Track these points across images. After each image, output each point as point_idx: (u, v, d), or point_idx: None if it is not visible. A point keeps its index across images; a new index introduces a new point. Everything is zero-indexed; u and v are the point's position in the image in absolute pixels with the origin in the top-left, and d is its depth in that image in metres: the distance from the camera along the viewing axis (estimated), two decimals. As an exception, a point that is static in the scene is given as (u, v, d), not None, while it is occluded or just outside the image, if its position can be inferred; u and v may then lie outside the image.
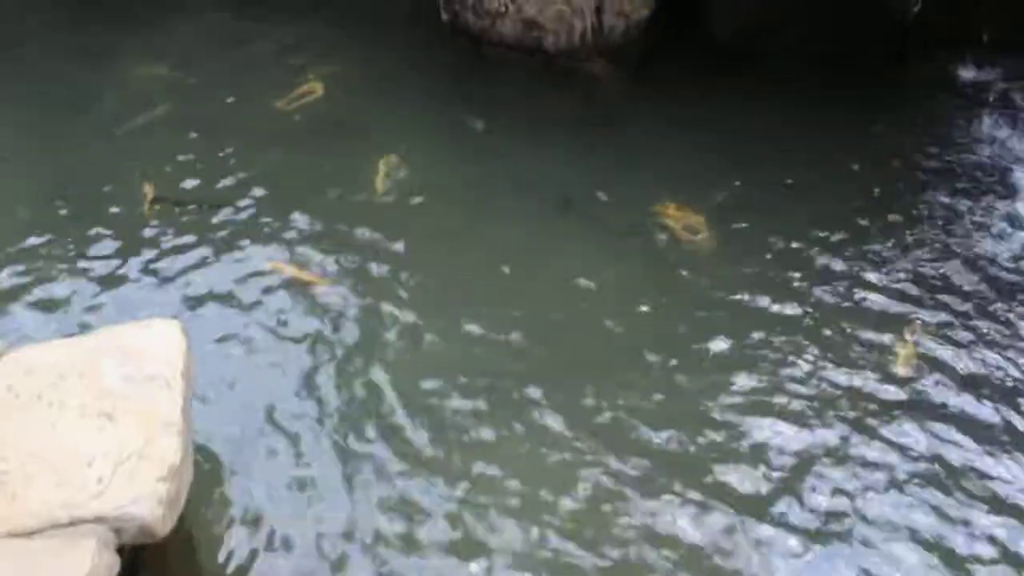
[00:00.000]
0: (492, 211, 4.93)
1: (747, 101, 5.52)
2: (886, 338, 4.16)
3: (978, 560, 3.37)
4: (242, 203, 4.96)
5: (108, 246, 4.70)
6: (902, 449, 3.72)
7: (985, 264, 4.49)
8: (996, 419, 3.82)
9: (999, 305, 4.29)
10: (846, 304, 4.33)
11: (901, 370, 4.01)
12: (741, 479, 3.64)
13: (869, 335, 4.18)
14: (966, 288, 4.38)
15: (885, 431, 3.80)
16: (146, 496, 2.95)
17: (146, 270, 4.57)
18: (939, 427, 3.80)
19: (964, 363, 4.04)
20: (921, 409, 3.87)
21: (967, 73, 5.69)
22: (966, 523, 3.48)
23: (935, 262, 4.52)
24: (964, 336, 4.16)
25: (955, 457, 3.69)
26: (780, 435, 3.79)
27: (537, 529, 3.49)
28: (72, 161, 5.28)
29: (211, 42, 6.29)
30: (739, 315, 4.30)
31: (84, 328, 4.18)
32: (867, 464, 3.69)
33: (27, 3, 6.66)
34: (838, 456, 3.71)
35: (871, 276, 4.46)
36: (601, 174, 5.13)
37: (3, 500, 2.94)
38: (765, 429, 3.81)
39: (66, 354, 3.40)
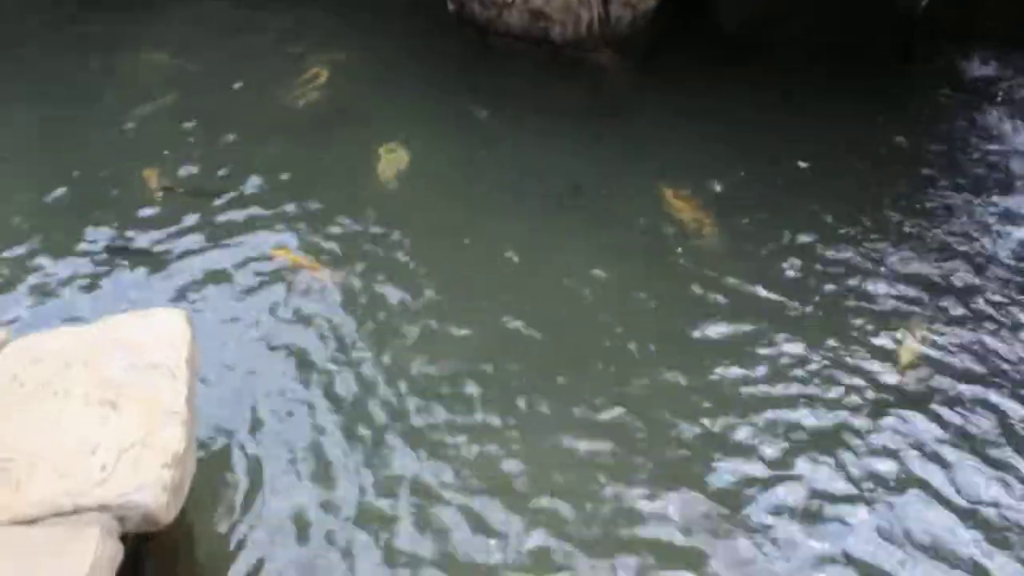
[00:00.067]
0: (497, 200, 4.93)
1: (753, 92, 5.51)
2: (887, 332, 4.16)
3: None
4: (245, 191, 4.96)
5: (112, 236, 4.72)
6: (903, 442, 3.73)
7: (987, 259, 4.49)
8: (997, 413, 3.82)
9: (1001, 300, 4.28)
10: (848, 297, 4.33)
11: (903, 365, 4.01)
12: (740, 467, 3.66)
13: (871, 329, 4.18)
14: (968, 283, 4.37)
15: (886, 423, 3.80)
16: (150, 484, 2.96)
17: (150, 259, 4.58)
18: (940, 421, 3.81)
19: (965, 358, 4.04)
20: (922, 402, 3.87)
21: (973, 68, 5.67)
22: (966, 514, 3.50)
23: (937, 257, 4.51)
24: (966, 330, 4.16)
25: (954, 450, 3.70)
26: (778, 427, 3.79)
27: (543, 514, 3.52)
28: (75, 155, 5.28)
29: (211, 31, 6.29)
30: (741, 306, 4.29)
31: (88, 317, 4.17)
32: (870, 453, 3.70)
33: (27, 3, 6.65)
34: (839, 447, 3.72)
35: (873, 270, 4.45)
36: (607, 164, 5.12)
37: (8, 488, 2.95)
38: (764, 420, 3.82)
39: (71, 343, 3.40)
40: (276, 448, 3.74)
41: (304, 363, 4.07)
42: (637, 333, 4.19)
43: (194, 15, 6.44)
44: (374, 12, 6.29)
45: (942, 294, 4.32)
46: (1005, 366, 4.00)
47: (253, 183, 5.02)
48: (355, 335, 4.19)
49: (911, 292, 4.34)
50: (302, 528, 3.48)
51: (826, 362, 4.04)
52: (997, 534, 3.43)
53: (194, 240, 4.68)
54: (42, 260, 4.56)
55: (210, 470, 3.57)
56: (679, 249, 4.61)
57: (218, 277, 4.49)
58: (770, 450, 3.71)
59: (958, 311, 4.24)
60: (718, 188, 4.94)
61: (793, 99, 5.44)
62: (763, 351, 4.10)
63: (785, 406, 3.87)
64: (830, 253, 4.54)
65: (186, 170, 5.12)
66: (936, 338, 4.13)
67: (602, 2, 5.75)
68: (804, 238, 4.62)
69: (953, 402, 3.87)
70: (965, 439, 3.73)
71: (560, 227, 4.76)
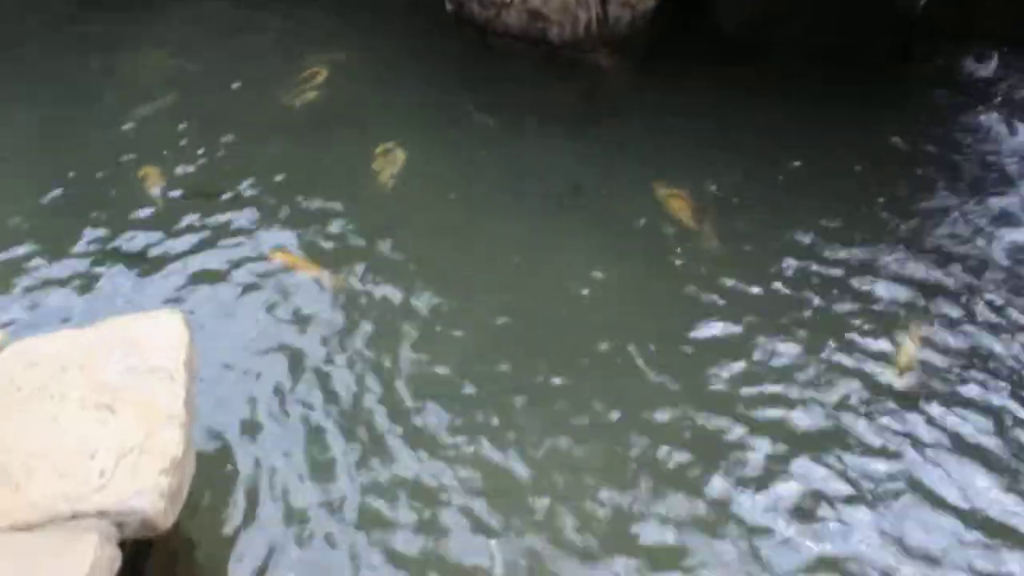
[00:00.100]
0: (495, 200, 4.92)
1: (751, 94, 5.50)
2: (885, 333, 4.15)
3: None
4: (244, 192, 4.95)
5: (110, 236, 4.70)
6: (901, 442, 3.73)
7: (985, 261, 4.47)
8: (994, 414, 3.82)
9: (998, 302, 4.27)
10: (846, 298, 4.32)
11: (901, 366, 4.01)
12: (738, 469, 3.66)
13: (868, 330, 4.17)
14: (965, 284, 4.36)
15: (884, 424, 3.80)
16: (148, 490, 2.95)
17: (147, 260, 4.57)
18: (938, 422, 3.81)
19: (963, 359, 4.04)
20: (920, 403, 3.87)
21: (971, 69, 5.67)
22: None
23: (935, 258, 4.50)
24: (963, 332, 4.15)
25: (952, 451, 3.70)
26: (776, 428, 3.79)
27: (543, 514, 3.53)
28: (74, 155, 5.26)
29: (211, 31, 6.27)
30: (738, 307, 4.29)
31: (85, 319, 4.17)
32: (868, 454, 3.71)
33: (26, 3, 6.63)
34: (837, 448, 3.73)
35: (871, 271, 4.45)
36: (605, 165, 5.12)
37: (5, 493, 2.94)
38: (761, 421, 3.82)
39: (68, 346, 3.39)
40: (275, 450, 3.73)
41: (303, 364, 4.07)
42: (636, 333, 4.19)
43: (194, 15, 6.42)
44: (373, 12, 6.28)
45: (940, 295, 4.31)
46: (1003, 367, 3.99)
47: (252, 183, 5.01)
48: (353, 336, 4.19)
49: (909, 293, 4.33)
50: (302, 531, 3.48)
51: (824, 363, 4.03)
52: (996, 536, 3.43)
53: (192, 241, 4.67)
54: (39, 261, 4.56)
55: (209, 473, 3.55)
56: (678, 250, 4.60)
57: (216, 278, 4.48)
58: (767, 451, 3.71)
59: (956, 312, 4.23)
60: (716, 189, 4.92)
61: (791, 99, 5.42)
62: (760, 352, 4.09)
63: (783, 407, 3.87)
64: (827, 254, 4.53)
65: (185, 170, 5.11)
66: (934, 339, 4.12)
67: (600, 3, 5.74)
68: (802, 239, 4.61)
69: (951, 403, 3.87)
70: (963, 440, 3.73)
71: (559, 227, 4.75)
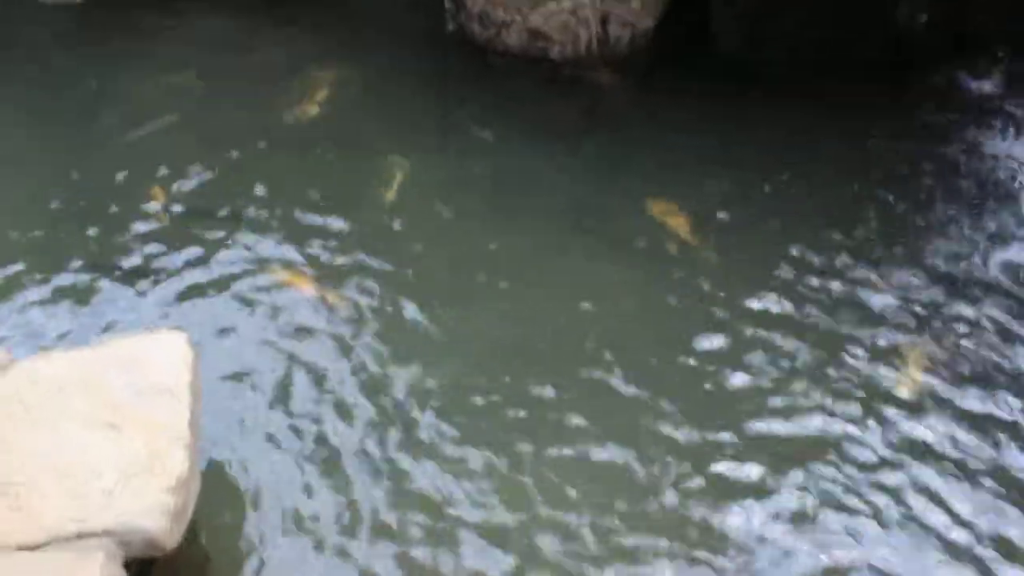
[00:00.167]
0: (496, 217, 4.94)
1: (751, 110, 5.53)
2: (884, 348, 4.17)
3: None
4: (246, 209, 4.96)
5: (110, 254, 4.71)
6: (903, 456, 3.74)
7: (985, 274, 4.49)
8: (999, 428, 3.84)
9: (999, 317, 4.29)
10: (845, 314, 4.34)
11: (903, 381, 4.02)
12: (738, 474, 3.69)
13: (868, 345, 4.19)
14: (965, 299, 4.38)
15: (885, 437, 3.81)
16: (153, 509, 2.96)
17: (148, 276, 4.57)
18: (940, 435, 3.82)
19: (965, 374, 4.05)
20: (922, 417, 3.89)
21: (972, 83, 5.69)
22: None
23: (933, 272, 4.52)
24: (964, 347, 4.16)
25: (957, 464, 3.71)
26: (776, 440, 3.81)
27: (550, 524, 3.54)
28: (79, 168, 5.28)
29: (217, 50, 6.29)
30: (737, 322, 4.31)
31: (89, 336, 4.19)
32: (866, 467, 3.72)
33: (34, 11, 6.67)
34: (839, 460, 3.74)
35: (871, 287, 4.46)
36: (605, 181, 5.14)
37: (11, 513, 2.94)
38: (765, 433, 3.83)
39: (73, 365, 3.40)
40: (281, 467, 3.73)
41: (305, 379, 4.07)
42: (635, 345, 4.21)
43: (194, 33, 6.45)
44: (375, 31, 6.31)
45: (940, 311, 4.33)
46: (1004, 381, 4.00)
47: (252, 200, 5.02)
48: (354, 350, 4.19)
49: (908, 308, 4.34)
50: (308, 546, 3.47)
51: (824, 377, 4.05)
52: (1001, 551, 3.44)
53: (192, 257, 4.68)
54: (39, 278, 4.55)
55: (214, 491, 3.55)
56: (677, 264, 4.63)
57: (216, 294, 4.48)
58: (766, 462, 3.74)
59: (955, 327, 4.25)
60: (716, 204, 4.94)
61: (791, 116, 5.45)
62: (759, 365, 4.11)
63: (783, 419, 3.89)
64: (827, 270, 4.55)
65: (185, 187, 5.12)
66: (934, 354, 4.13)
67: (601, 22, 5.78)
68: (801, 254, 4.63)
69: (954, 417, 3.88)
70: (968, 454, 3.74)
71: (559, 242, 4.77)
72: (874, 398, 3.96)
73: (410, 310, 4.39)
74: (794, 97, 5.56)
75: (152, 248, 4.74)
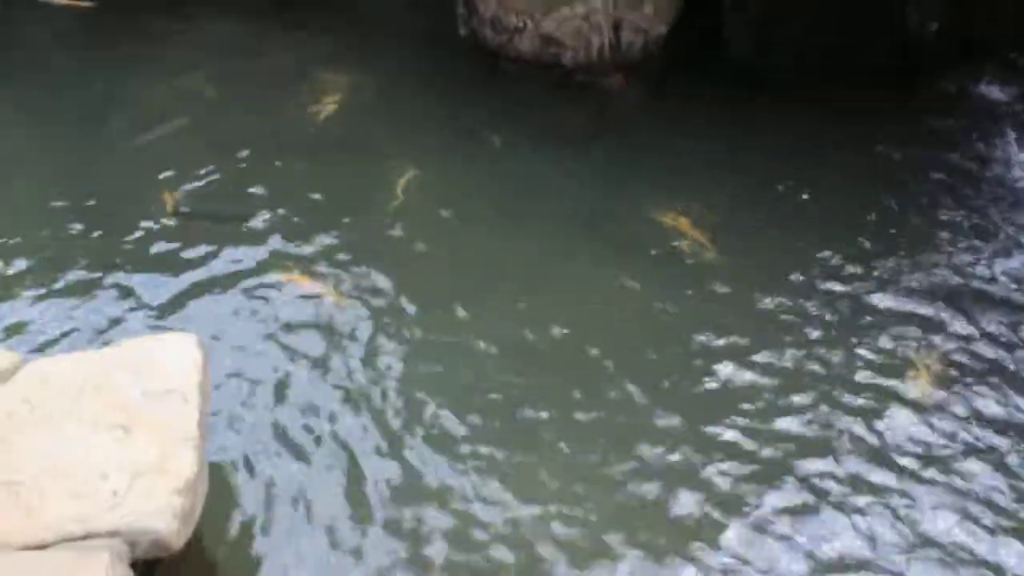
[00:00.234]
0: (507, 222, 4.94)
1: (760, 116, 5.53)
2: (894, 355, 4.15)
3: None
4: (256, 213, 4.97)
5: (121, 256, 4.71)
6: (914, 461, 3.72)
7: (994, 282, 4.48)
8: (1005, 441, 3.82)
9: (1009, 321, 4.27)
10: (853, 318, 4.33)
11: (913, 386, 4.00)
12: (742, 471, 3.69)
13: (877, 349, 4.18)
14: (975, 306, 4.37)
15: (894, 442, 3.79)
16: (161, 510, 2.96)
17: (160, 280, 4.57)
18: (949, 439, 3.80)
19: (974, 379, 4.03)
20: (930, 420, 3.87)
21: (980, 90, 5.69)
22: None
23: (942, 281, 4.50)
24: (972, 353, 4.15)
25: (964, 481, 3.68)
26: (787, 456, 3.78)
27: (565, 520, 3.55)
28: (88, 172, 5.30)
29: (226, 54, 6.32)
30: (745, 326, 4.31)
31: (98, 338, 4.20)
32: (877, 464, 3.72)
33: (44, 15, 6.70)
34: (846, 475, 3.71)
35: (878, 294, 4.45)
36: (615, 186, 5.15)
37: (19, 513, 2.94)
38: (771, 434, 3.82)
39: (83, 367, 3.40)
40: (287, 472, 3.72)
41: (312, 380, 4.07)
42: (644, 348, 4.22)
43: (205, 37, 6.48)
44: (387, 36, 6.33)
45: (945, 315, 4.32)
46: (1012, 386, 3.99)
47: (262, 203, 5.03)
48: (362, 352, 4.19)
49: (914, 313, 4.34)
50: (313, 550, 3.46)
51: (830, 380, 4.04)
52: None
53: (201, 259, 4.69)
54: (48, 280, 4.56)
55: (222, 494, 3.56)
56: (684, 269, 4.63)
57: (225, 296, 4.49)
58: (772, 458, 3.74)
59: (962, 333, 4.23)
60: (724, 209, 4.95)
61: (800, 122, 5.45)
62: (767, 368, 4.10)
63: (789, 421, 3.88)
64: (835, 275, 4.55)
65: (195, 190, 5.14)
66: (940, 358, 4.12)
67: (613, 28, 5.78)
68: (809, 260, 4.63)
69: (965, 421, 3.86)
70: (980, 460, 3.72)
71: (569, 246, 4.78)
72: (880, 401, 3.95)
73: (417, 313, 4.39)
74: (801, 102, 5.57)
75: (160, 249, 4.76)
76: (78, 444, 3.13)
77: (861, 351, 4.17)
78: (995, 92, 5.66)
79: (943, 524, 3.51)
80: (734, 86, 5.73)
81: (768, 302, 4.42)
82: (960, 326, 4.26)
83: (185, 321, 4.32)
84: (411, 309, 4.41)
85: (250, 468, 3.72)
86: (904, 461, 3.72)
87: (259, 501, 3.60)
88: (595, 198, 5.08)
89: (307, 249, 4.74)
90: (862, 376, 4.06)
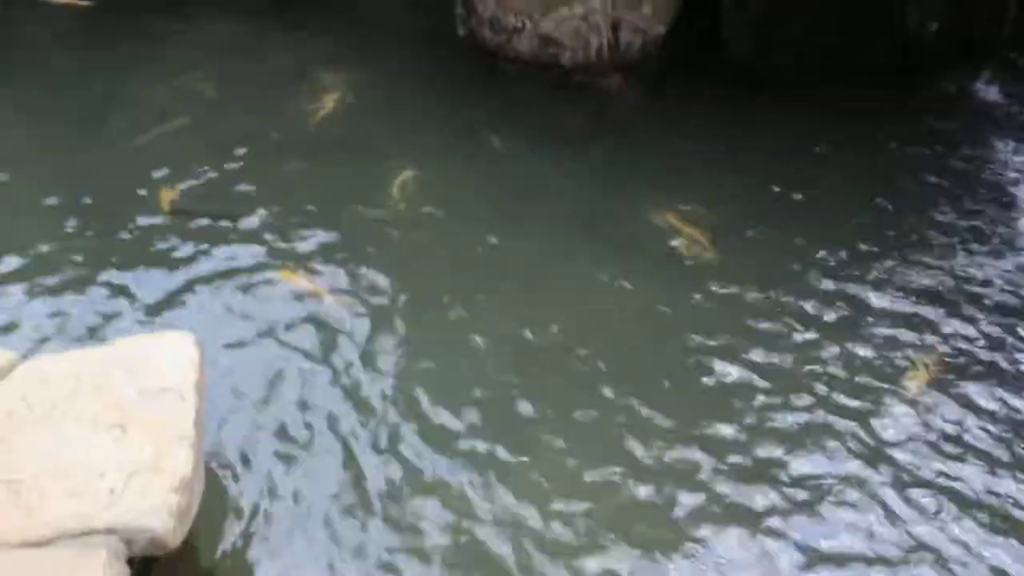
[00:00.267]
0: (504, 221, 4.95)
1: (759, 116, 5.54)
2: (892, 357, 4.15)
3: None
4: (254, 212, 4.97)
5: (119, 256, 4.71)
6: (908, 471, 3.71)
7: (989, 285, 4.48)
8: (999, 441, 3.82)
9: (1002, 324, 4.28)
10: (852, 319, 4.34)
11: (910, 389, 4.00)
12: (738, 492, 3.66)
13: (875, 353, 4.18)
14: (973, 309, 4.37)
15: (892, 446, 3.79)
16: (158, 508, 2.96)
17: (157, 279, 4.58)
18: (948, 441, 3.81)
19: (971, 382, 4.04)
20: (927, 423, 3.87)
21: (980, 90, 5.70)
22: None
23: (939, 282, 4.51)
24: (971, 355, 4.15)
25: (960, 480, 3.68)
26: (785, 455, 3.78)
27: (566, 518, 3.55)
28: (87, 171, 5.30)
29: (226, 54, 6.33)
30: (744, 325, 4.32)
31: (95, 337, 4.20)
32: (877, 469, 3.71)
33: (44, 14, 6.71)
34: (844, 475, 3.71)
35: (876, 294, 4.47)
36: (613, 186, 5.15)
37: (17, 510, 2.95)
38: (770, 445, 3.81)
39: (80, 365, 3.41)
40: (283, 470, 3.72)
41: (312, 379, 4.07)
42: (642, 347, 4.23)
43: (205, 37, 6.49)
44: (386, 35, 6.34)
45: (942, 314, 4.33)
46: (1013, 392, 3.98)
47: (261, 203, 5.04)
48: (362, 353, 4.19)
49: (911, 312, 4.35)
50: (310, 551, 3.46)
51: (828, 377, 4.06)
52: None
53: (199, 259, 4.69)
54: (44, 278, 4.56)
55: (218, 492, 3.56)
56: (682, 269, 4.64)
57: (222, 296, 4.49)
58: (769, 456, 3.74)
59: (961, 333, 4.24)
60: (723, 209, 4.96)
61: (799, 122, 5.46)
62: (766, 367, 4.11)
63: (785, 417, 3.89)
64: (834, 275, 4.56)
65: (194, 189, 5.14)
66: (938, 357, 4.13)
67: (612, 28, 5.79)
68: (807, 260, 4.64)
69: (960, 422, 3.87)
70: (975, 460, 3.73)
71: (567, 247, 4.78)
72: (877, 402, 3.96)
73: (415, 312, 4.40)
74: (801, 103, 5.57)
75: (156, 247, 4.76)
76: (76, 443, 3.13)
77: (858, 351, 4.18)
78: (994, 93, 5.67)
79: (940, 523, 3.51)
80: (732, 86, 5.74)
81: (766, 302, 4.42)
82: (956, 327, 4.27)
83: (181, 319, 4.32)
84: (409, 308, 4.41)
85: (247, 465, 3.72)
86: (901, 460, 3.73)
87: (256, 498, 3.60)
88: (594, 198, 5.09)
89: (305, 248, 4.74)
90: (859, 376, 4.07)
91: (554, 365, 4.16)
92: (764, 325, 4.31)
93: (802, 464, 3.72)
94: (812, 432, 3.84)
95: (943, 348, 4.17)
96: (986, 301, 4.40)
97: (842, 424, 3.86)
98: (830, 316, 4.34)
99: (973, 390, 4.00)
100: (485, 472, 3.70)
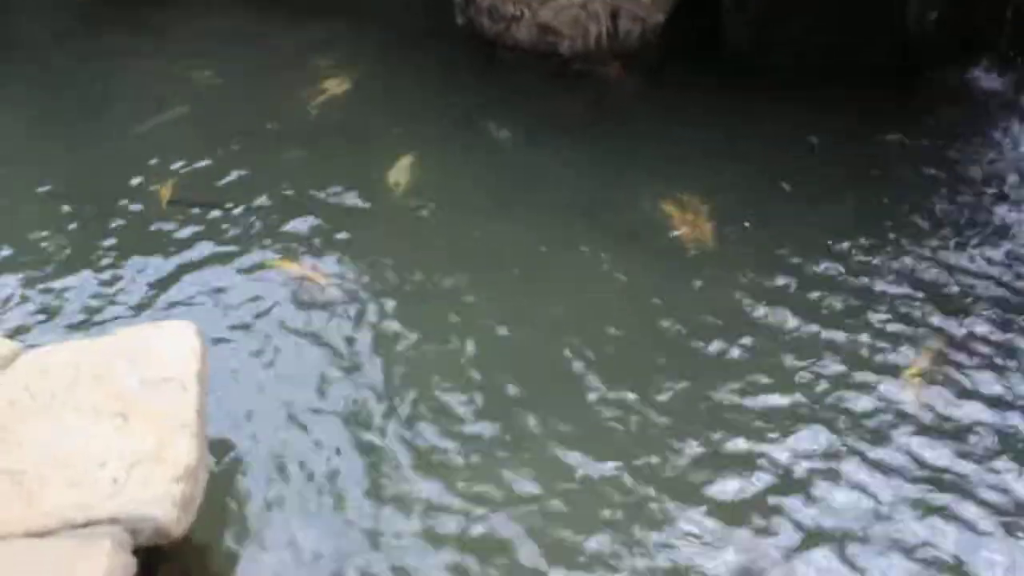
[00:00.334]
0: (504, 211, 4.94)
1: (759, 107, 5.51)
2: (892, 353, 4.13)
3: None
4: (252, 202, 4.97)
5: (119, 245, 4.72)
6: (904, 464, 3.70)
7: (988, 279, 4.46)
8: (999, 436, 3.80)
9: (1001, 320, 4.27)
10: (849, 315, 4.31)
11: (910, 385, 4.00)
12: (731, 486, 3.65)
13: (876, 348, 4.15)
14: (974, 302, 4.34)
15: (891, 443, 3.77)
16: (161, 497, 2.97)
17: (156, 269, 4.58)
18: (947, 441, 3.78)
19: (973, 378, 4.01)
20: (929, 424, 3.84)
21: (981, 83, 5.67)
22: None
23: (938, 272, 4.49)
24: (972, 350, 4.13)
25: (957, 473, 3.67)
26: (782, 444, 3.78)
27: (558, 518, 3.53)
28: (84, 162, 5.30)
29: (226, 43, 6.32)
30: (742, 317, 4.30)
31: (95, 328, 4.20)
32: (874, 471, 3.69)
33: (41, 3, 6.69)
34: (838, 469, 3.71)
35: (875, 283, 4.44)
36: (613, 175, 5.14)
37: (19, 501, 2.96)
38: (768, 441, 3.80)
39: (81, 355, 3.42)
40: (287, 459, 3.73)
41: (312, 375, 4.06)
42: (642, 341, 4.21)
43: (206, 26, 6.48)
44: (384, 25, 6.32)
45: (947, 314, 4.29)
46: (1013, 386, 3.97)
47: (260, 192, 5.03)
48: (362, 347, 4.19)
49: (911, 310, 4.32)
50: (317, 540, 3.46)
51: (827, 372, 4.04)
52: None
53: (199, 250, 4.69)
54: (41, 268, 4.57)
55: (222, 482, 3.57)
56: (682, 258, 4.63)
57: (220, 286, 4.49)
58: (771, 463, 3.71)
59: (964, 330, 4.21)
60: (723, 199, 4.93)
61: (798, 112, 5.44)
62: (764, 362, 4.09)
63: (790, 423, 3.86)
64: (834, 266, 4.54)
65: (193, 179, 5.14)
66: (938, 354, 4.11)
67: (611, 16, 5.78)
68: (807, 251, 4.61)
69: (962, 423, 3.84)
70: (975, 461, 3.70)
71: (565, 236, 4.77)
72: (875, 397, 3.94)
73: (414, 299, 4.40)
74: (801, 93, 5.55)
75: (154, 236, 4.76)
76: (78, 433, 3.15)
77: (856, 341, 4.16)
78: (994, 92, 5.65)
79: (938, 523, 3.50)
80: (734, 75, 5.70)
81: (765, 291, 4.41)
82: (956, 322, 4.25)
83: (180, 307, 4.34)
84: (408, 296, 4.41)
85: (251, 454, 3.73)
86: (899, 459, 3.71)
87: (261, 486, 3.61)
88: (593, 187, 5.08)
89: (303, 236, 4.75)
90: (858, 369, 4.04)
91: (552, 353, 4.15)
92: (763, 314, 4.30)
93: (797, 453, 3.72)
94: (810, 422, 3.83)
95: (942, 339, 4.16)
96: (986, 295, 4.37)
97: (839, 415, 3.85)
98: (829, 307, 4.33)
99: (972, 382, 3.98)
100: (487, 457, 3.71)
